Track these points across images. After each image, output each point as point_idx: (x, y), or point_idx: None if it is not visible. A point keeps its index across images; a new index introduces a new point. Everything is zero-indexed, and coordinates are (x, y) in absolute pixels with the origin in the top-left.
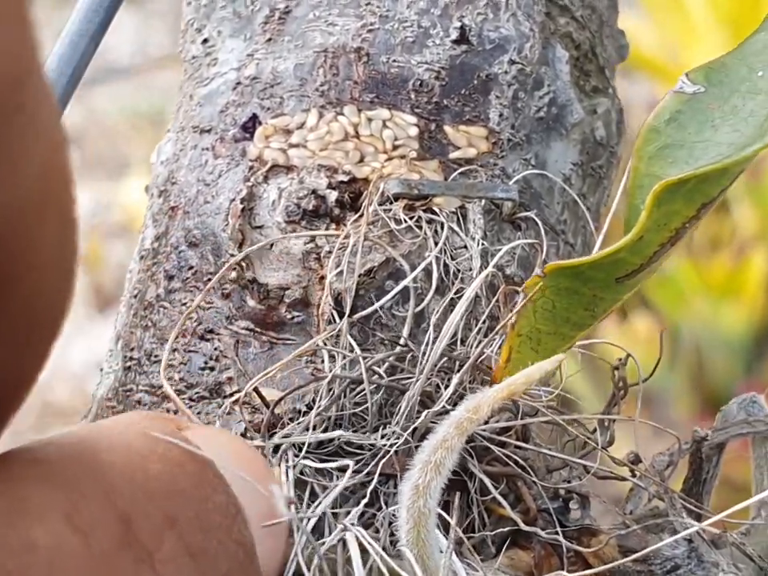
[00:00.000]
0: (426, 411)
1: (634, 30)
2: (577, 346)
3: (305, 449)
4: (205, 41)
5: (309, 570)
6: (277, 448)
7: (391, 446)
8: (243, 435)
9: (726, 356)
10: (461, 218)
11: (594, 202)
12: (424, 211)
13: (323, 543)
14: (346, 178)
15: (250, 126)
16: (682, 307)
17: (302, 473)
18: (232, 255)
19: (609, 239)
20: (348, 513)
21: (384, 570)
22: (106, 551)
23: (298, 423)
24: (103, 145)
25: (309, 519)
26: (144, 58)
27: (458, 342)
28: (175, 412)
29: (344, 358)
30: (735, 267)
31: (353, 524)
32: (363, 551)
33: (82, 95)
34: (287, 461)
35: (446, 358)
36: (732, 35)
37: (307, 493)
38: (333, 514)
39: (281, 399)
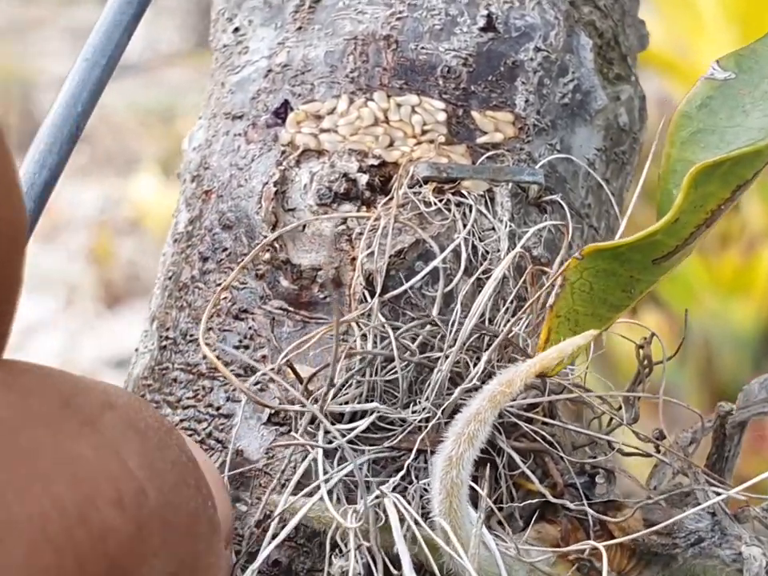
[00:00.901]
0: (456, 388)
1: None
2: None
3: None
4: (236, 30)
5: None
6: (312, 421)
7: (422, 421)
8: (277, 412)
9: (735, 352)
10: (488, 201)
11: (618, 186)
12: (453, 194)
13: (356, 509)
14: (376, 162)
15: (281, 112)
16: (691, 303)
17: (330, 443)
18: (265, 237)
19: (631, 225)
20: (381, 484)
21: (419, 536)
22: (48, 412)
23: (332, 398)
24: (112, 141)
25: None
26: (153, 54)
27: (486, 322)
28: (210, 390)
29: (375, 335)
30: (744, 263)
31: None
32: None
33: None
34: (316, 431)
35: (475, 336)
36: (741, 32)
37: (336, 461)
38: (365, 484)
39: (313, 375)
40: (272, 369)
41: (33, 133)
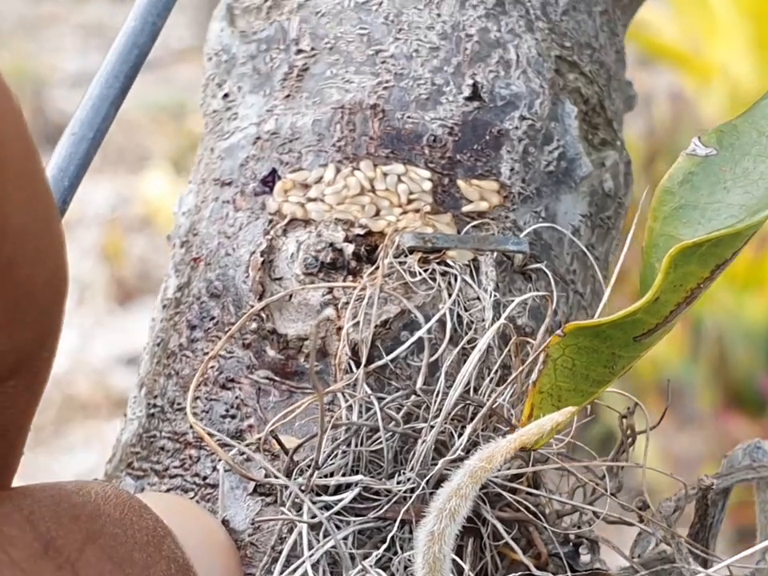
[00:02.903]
0: (440, 459)
1: (657, 21)
2: None
3: (308, 484)
4: (225, 95)
5: None
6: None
7: (407, 492)
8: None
9: (748, 348)
10: (473, 270)
11: (603, 251)
12: (438, 264)
13: None
14: (362, 232)
15: (269, 180)
16: (704, 299)
17: (314, 517)
18: (252, 306)
19: (617, 288)
20: (365, 556)
21: None
22: (26, 559)
23: (318, 469)
24: (124, 138)
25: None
26: (164, 51)
27: (471, 391)
28: (197, 459)
29: (360, 405)
30: (757, 259)
31: (371, 566)
32: None
33: None
34: (302, 502)
35: (459, 406)
36: (754, 28)
37: (321, 534)
38: (350, 556)
39: (299, 446)
40: (258, 439)
41: (44, 130)
